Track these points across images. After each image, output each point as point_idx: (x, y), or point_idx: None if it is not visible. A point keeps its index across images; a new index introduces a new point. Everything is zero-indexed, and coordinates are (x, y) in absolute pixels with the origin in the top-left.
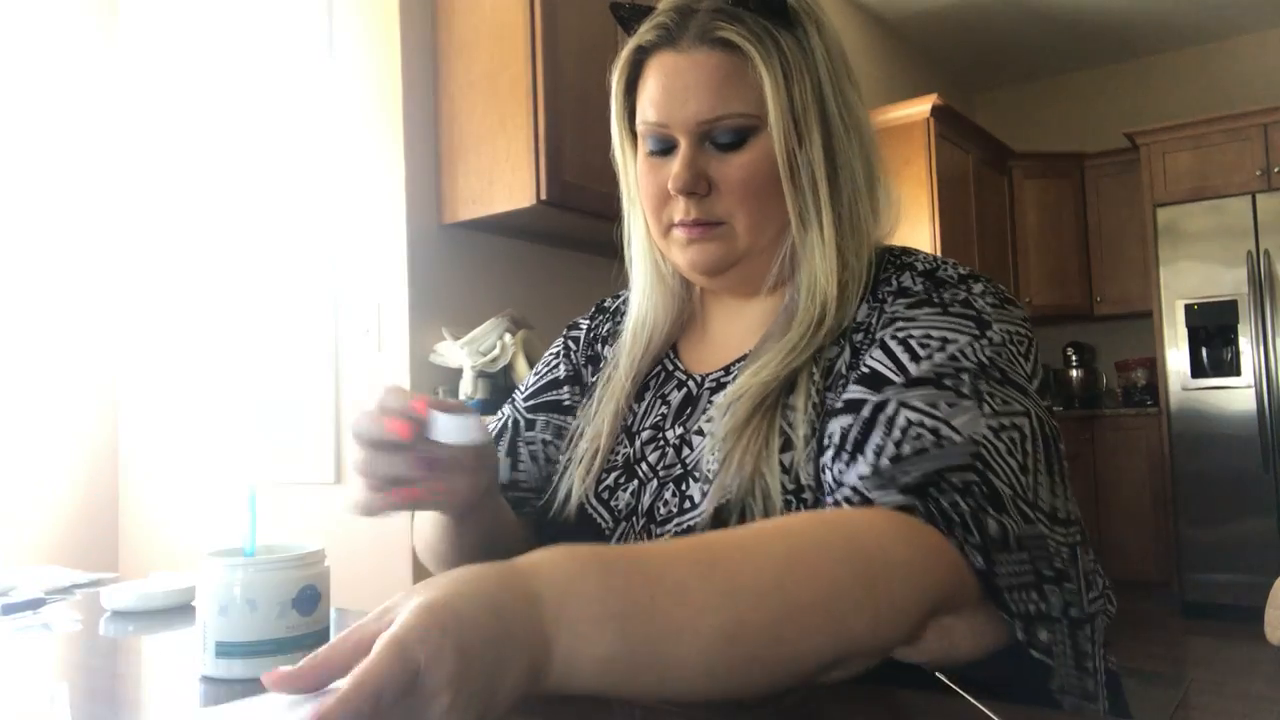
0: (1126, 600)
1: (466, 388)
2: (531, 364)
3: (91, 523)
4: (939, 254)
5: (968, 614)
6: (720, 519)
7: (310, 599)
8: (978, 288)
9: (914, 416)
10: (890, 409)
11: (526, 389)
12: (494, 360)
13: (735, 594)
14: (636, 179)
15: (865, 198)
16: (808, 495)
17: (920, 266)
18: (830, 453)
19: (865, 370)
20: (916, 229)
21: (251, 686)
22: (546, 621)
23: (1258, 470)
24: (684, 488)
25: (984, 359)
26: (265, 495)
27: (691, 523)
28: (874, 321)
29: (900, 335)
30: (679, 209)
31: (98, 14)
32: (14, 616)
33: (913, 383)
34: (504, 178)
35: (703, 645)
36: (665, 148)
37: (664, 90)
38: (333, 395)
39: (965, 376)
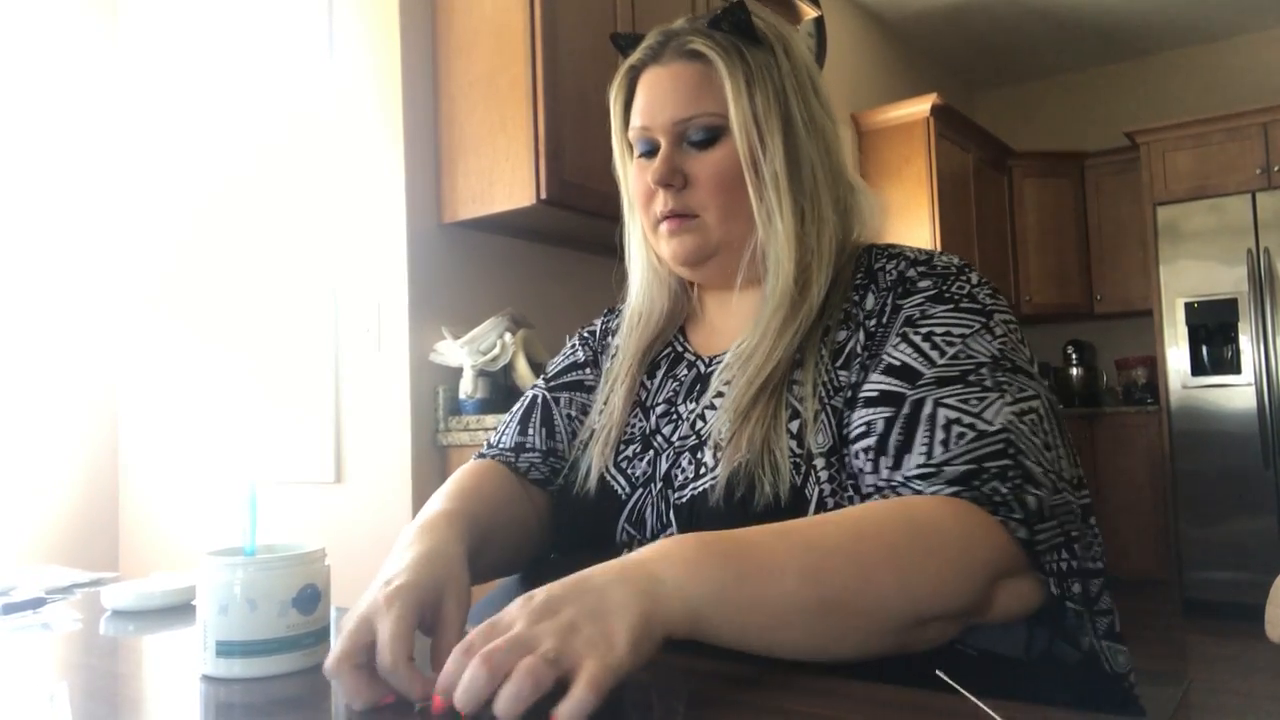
0: (1127, 599)
1: (467, 387)
2: (532, 363)
3: (91, 523)
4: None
5: (1015, 579)
6: (731, 485)
7: (310, 598)
8: (974, 277)
9: (951, 414)
10: (929, 408)
11: (550, 372)
12: (494, 359)
13: (809, 549)
14: (632, 183)
15: (827, 191)
16: (818, 461)
17: (912, 255)
18: (872, 446)
19: (895, 363)
20: (916, 229)
21: (252, 686)
22: (650, 563)
23: (1258, 468)
24: (699, 455)
25: (995, 351)
26: (265, 495)
27: (706, 485)
28: (885, 310)
29: (923, 331)
30: (660, 202)
31: (98, 14)
32: (14, 616)
33: (943, 380)
34: (504, 177)
35: (790, 587)
36: (651, 149)
37: (647, 99)
38: (333, 395)
39: (985, 370)
